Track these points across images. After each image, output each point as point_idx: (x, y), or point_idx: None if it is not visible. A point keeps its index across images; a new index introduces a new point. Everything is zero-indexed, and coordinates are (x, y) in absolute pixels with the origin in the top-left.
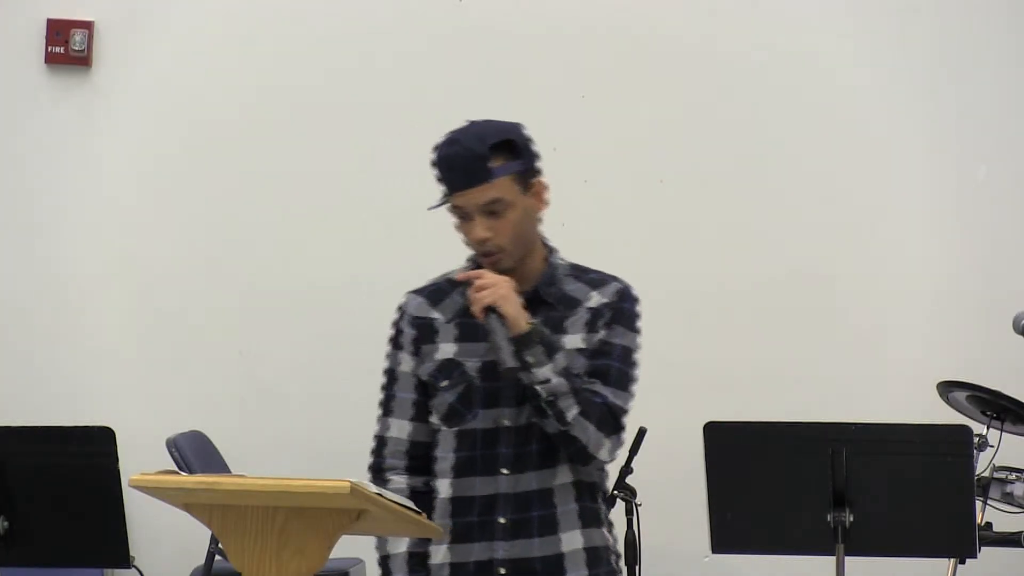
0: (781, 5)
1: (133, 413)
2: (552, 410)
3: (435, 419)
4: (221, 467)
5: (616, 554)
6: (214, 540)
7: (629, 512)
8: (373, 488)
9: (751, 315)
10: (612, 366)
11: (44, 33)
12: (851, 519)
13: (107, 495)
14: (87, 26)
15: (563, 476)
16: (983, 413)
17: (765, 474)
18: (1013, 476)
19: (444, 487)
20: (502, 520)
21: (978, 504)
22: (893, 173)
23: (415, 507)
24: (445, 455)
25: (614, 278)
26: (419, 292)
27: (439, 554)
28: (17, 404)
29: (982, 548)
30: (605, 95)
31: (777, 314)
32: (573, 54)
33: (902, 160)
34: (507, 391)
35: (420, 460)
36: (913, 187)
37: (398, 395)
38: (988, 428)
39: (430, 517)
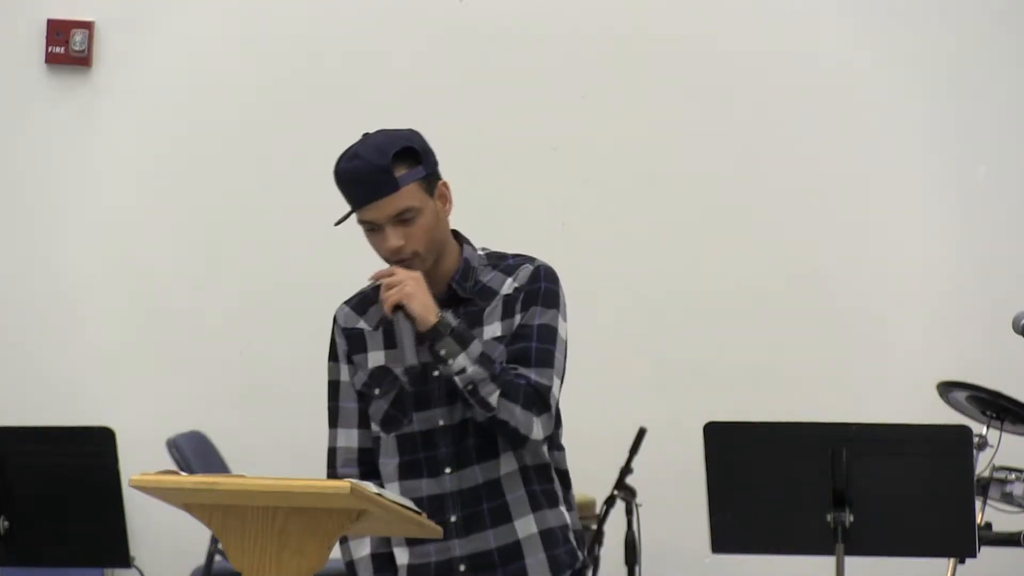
0: (781, 5)
1: (133, 413)
2: (474, 398)
3: (375, 426)
4: (221, 467)
5: (576, 532)
6: (214, 540)
7: (629, 512)
8: (373, 488)
9: (751, 315)
10: (531, 347)
11: (44, 33)
12: (851, 519)
13: (107, 495)
14: (87, 26)
15: (508, 464)
16: (983, 413)
17: (765, 474)
18: (1013, 476)
19: (392, 490)
20: (453, 518)
21: (978, 504)
22: (893, 173)
23: (415, 507)
24: (388, 460)
25: (529, 259)
26: (348, 302)
27: (400, 556)
28: (17, 404)
29: (982, 548)
30: (605, 95)
31: (777, 314)
32: (573, 54)
33: (902, 160)
34: (437, 391)
35: (371, 466)
36: (913, 187)
37: (342, 405)
38: (988, 428)
39: None
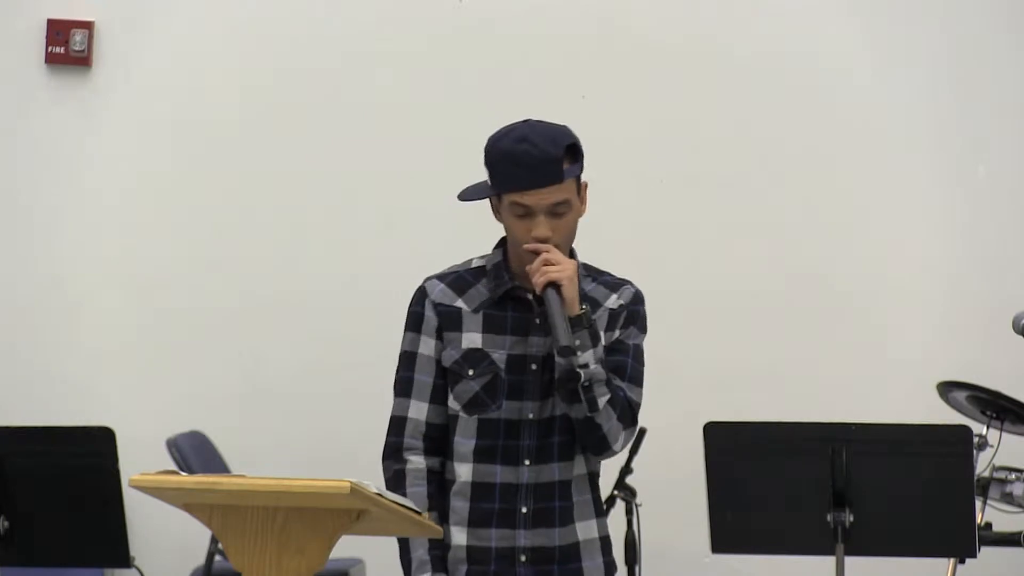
0: (781, 5)
1: (133, 413)
2: (587, 395)
3: (454, 405)
4: (221, 467)
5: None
6: (214, 540)
7: (629, 512)
8: (373, 488)
9: (751, 315)
10: (628, 363)
11: (44, 33)
12: (851, 519)
13: (107, 495)
14: (87, 26)
15: (579, 468)
16: (983, 413)
17: (765, 474)
18: (1013, 476)
19: (464, 471)
20: (524, 509)
21: (978, 504)
22: (893, 173)
23: (415, 507)
24: (465, 441)
25: (627, 281)
26: (440, 279)
27: (459, 535)
28: (17, 404)
29: (982, 548)
30: (605, 95)
31: (777, 314)
32: (573, 54)
33: (902, 160)
34: (531, 384)
35: (436, 442)
36: (913, 187)
37: (419, 377)
38: (988, 428)
39: (445, 497)
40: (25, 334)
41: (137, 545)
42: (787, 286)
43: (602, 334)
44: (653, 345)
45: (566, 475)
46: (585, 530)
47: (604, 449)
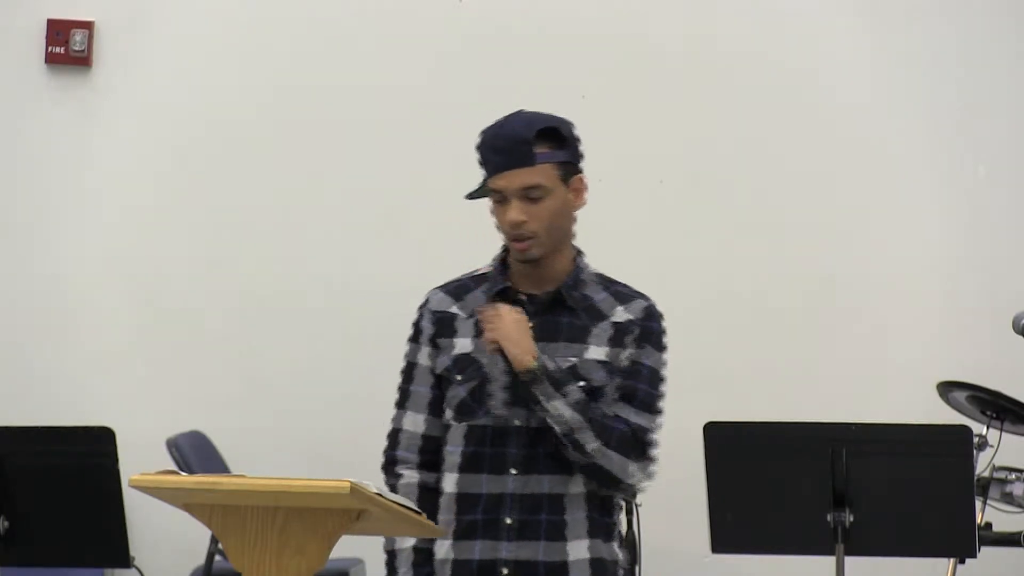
0: (781, 5)
1: (133, 413)
2: (573, 445)
3: (447, 413)
4: (221, 467)
5: (625, 570)
6: (214, 540)
7: (629, 512)
8: (373, 488)
9: (751, 315)
10: (639, 388)
11: (44, 33)
12: (851, 519)
13: (107, 495)
14: (87, 26)
15: (576, 485)
16: (983, 413)
17: (765, 474)
18: (1013, 476)
19: (450, 482)
20: (508, 520)
21: (978, 504)
22: (893, 173)
23: (415, 507)
24: (454, 449)
25: (641, 295)
26: (442, 287)
27: (442, 550)
28: (17, 404)
29: (982, 548)
30: (605, 95)
31: (777, 314)
32: (573, 54)
33: (902, 160)
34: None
35: (433, 455)
36: (913, 187)
37: (414, 388)
38: (988, 428)
39: (439, 513)
40: (25, 334)
41: (137, 545)
42: (787, 286)
43: (604, 349)
44: None
45: (558, 489)
46: (576, 550)
47: (616, 484)
